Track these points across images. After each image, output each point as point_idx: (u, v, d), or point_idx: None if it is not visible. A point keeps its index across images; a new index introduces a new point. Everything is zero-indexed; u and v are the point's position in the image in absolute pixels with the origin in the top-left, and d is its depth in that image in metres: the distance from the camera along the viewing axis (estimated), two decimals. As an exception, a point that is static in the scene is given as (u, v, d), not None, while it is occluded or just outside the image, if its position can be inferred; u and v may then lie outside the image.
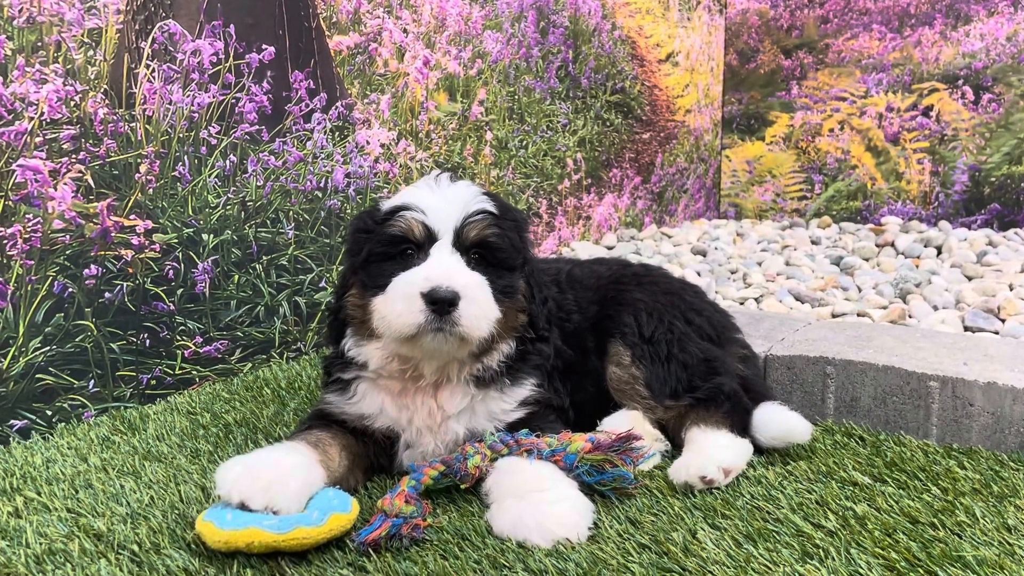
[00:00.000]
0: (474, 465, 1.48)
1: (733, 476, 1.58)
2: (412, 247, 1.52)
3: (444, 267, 1.48)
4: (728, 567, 1.27)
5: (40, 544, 1.38)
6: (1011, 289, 2.73)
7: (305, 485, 1.41)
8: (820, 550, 1.31)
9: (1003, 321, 2.38)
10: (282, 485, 1.38)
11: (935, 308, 2.61)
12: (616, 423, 1.65)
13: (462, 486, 1.49)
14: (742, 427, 1.68)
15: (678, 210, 4.46)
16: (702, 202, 4.69)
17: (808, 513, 1.44)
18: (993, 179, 4.08)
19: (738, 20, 4.72)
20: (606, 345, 1.75)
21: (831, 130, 4.51)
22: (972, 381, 1.72)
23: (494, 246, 1.54)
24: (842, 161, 4.49)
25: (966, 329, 2.37)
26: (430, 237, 1.51)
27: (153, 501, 1.54)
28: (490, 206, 1.56)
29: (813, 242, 3.81)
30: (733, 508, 1.47)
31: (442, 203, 1.53)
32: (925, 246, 3.52)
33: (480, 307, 1.48)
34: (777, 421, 1.69)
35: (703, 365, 1.72)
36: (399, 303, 1.46)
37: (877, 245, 3.61)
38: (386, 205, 1.58)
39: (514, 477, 1.44)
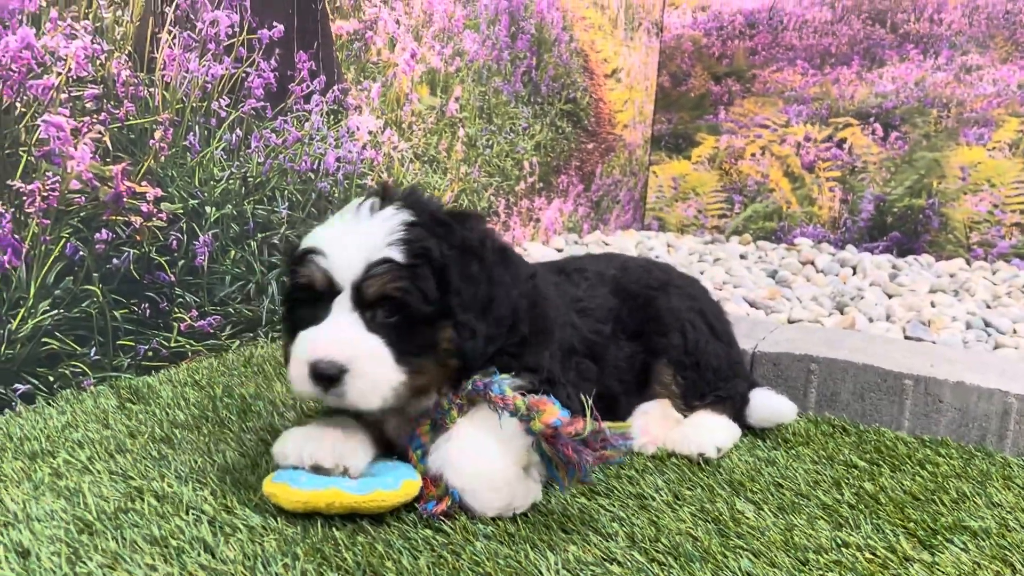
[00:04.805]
0: (452, 420, 1.44)
1: (722, 454, 1.75)
2: (318, 297, 1.39)
3: (333, 334, 1.35)
4: (776, 533, 1.41)
5: (103, 504, 1.36)
6: (933, 306, 3.04)
7: (364, 446, 1.46)
8: (849, 521, 1.47)
9: (937, 333, 2.66)
10: (347, 445, 1.43)
11: (870, 320, 2.87)
12: (648, 407, 1.77)
13: None
14: (738, 417, 1.87)
15: (611, 219, 4.65)
16: (630, 214, 4.90)
17: (826, 489, 1.60)
18: (895, 210, 4.48)
19: (673, 44, 4.98)
20: (651, 365, 1.83)
21: (753, 154, 4.82)
22: (943, 380, 1.94)
23: (400, 302, 1.37)
24: (761, 184, 4.81)
25: (907, 338, 2.63)
26: (332, 289, 1.38)
27: (201, 466, 1.53)
28: (399, 253, 1.36)
29: (742, 256, 4.07)
30: (758, 484, 1.62)
31: (347, 248, 1.37)
32: (841, 266, 3.84)
33: (368, 381, 1.35)
34: (768, 405, 1.90)
35: (727, 369, 1.86)
36: (294, 367, 1.38)
37: (800, 262, 3.91)
38: (305, 239, 1.44)
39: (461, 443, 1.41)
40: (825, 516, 1.49)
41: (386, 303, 1.37)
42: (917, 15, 4.37)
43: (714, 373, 1.84)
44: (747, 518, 1.46)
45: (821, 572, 1.29)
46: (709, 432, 1.76)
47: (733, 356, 1.91)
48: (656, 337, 1.83)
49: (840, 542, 1.38)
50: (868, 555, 1.35)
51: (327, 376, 1.33)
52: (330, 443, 1.41)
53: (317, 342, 1.35)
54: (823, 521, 1.47)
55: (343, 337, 1.35)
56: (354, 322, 1.36)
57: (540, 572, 1.24)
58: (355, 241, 1.37)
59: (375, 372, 1.35)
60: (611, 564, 1.28)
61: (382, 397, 1.37)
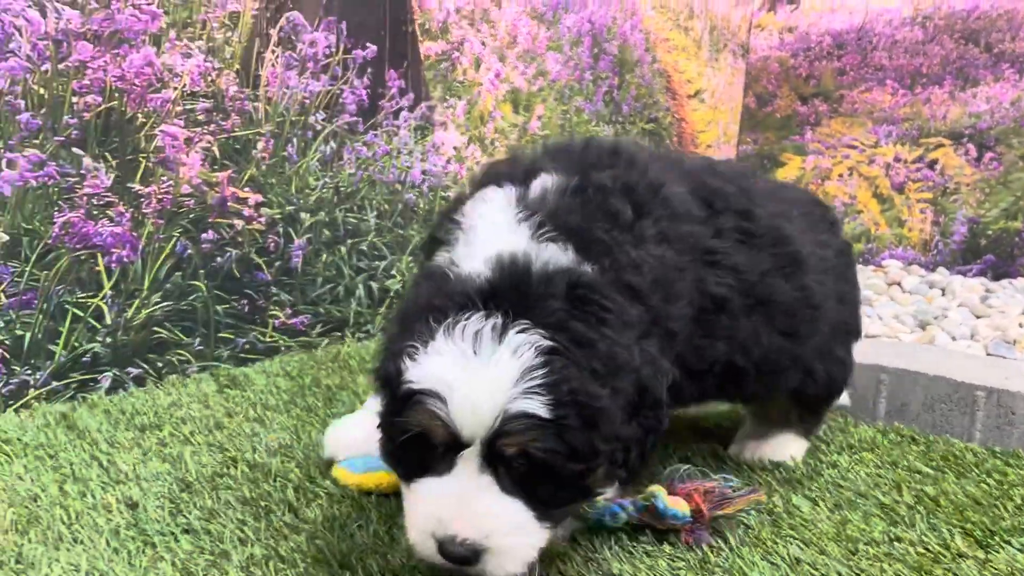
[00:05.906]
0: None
1: None
2: (434, 445, 1.11)
3: (463, 505, 1.08)
4: (829, 526, 1.44)
5: (201, 469, 1.51)
6: (1021, 327, 2.97)
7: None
8: (905, 519, 1.49)
9: (1022, 352, 2.61)
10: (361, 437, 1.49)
11: (953, 339, 2.83)
12: None
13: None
14: None
15: (693, 239, 4.68)
16: (713, 234, 4.91)
17: (886, 491, 1.62)
18: (990, 232, 4.36)
19: (759, 65, 5.00)
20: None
21: (840, 175, 4.78)
22: (1016, 392, 1.92)
23: (541, 461, 1.08)
24: (849, 205, 4.75)
25: (989, 355, 2.58)
26: (454, 442, 1.09)
27: (288, 443, 1.67)
28: (540, 403, 1.05)
29: (825, 277, 4.04)
30: (816, 483, 1.65)
31: (472, 393, 1.06)
32: (930, 287, 3.77)
33: (510, 557, 1.09)
34: None
35: (841, 380, 1.74)
36: (415, 533, 1.12)
37: (887, 283, 3.86)
38: (411, 369, 1.10)
39: None
40: (881, 514, 1.51)
41: (524, 459, 1.09)
42: (1012, 34, 4.27)
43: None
44: (801, 512, 1.50)
45: (870, 562, 1.32)
46: (784, 449, 1.77)
47: (849, 362, 1.76)
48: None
49: (893, 536, 1.41)
50: (920, 550, 1.37)
51: (459, 558, 1.07)
52: (348, 438, 1.55)
53: (443, 514, 1.08)
54: (878, 519, 1.49)
55: (476, 510, 1.08)
56: (486, 485, 1.09)
57: (595, 548, 1.32)
58: (480, 384, 1.06)
59: (517, 545, 1.10)
60: (663, 545, 1.35)
61: (526, 565, 1.12)
